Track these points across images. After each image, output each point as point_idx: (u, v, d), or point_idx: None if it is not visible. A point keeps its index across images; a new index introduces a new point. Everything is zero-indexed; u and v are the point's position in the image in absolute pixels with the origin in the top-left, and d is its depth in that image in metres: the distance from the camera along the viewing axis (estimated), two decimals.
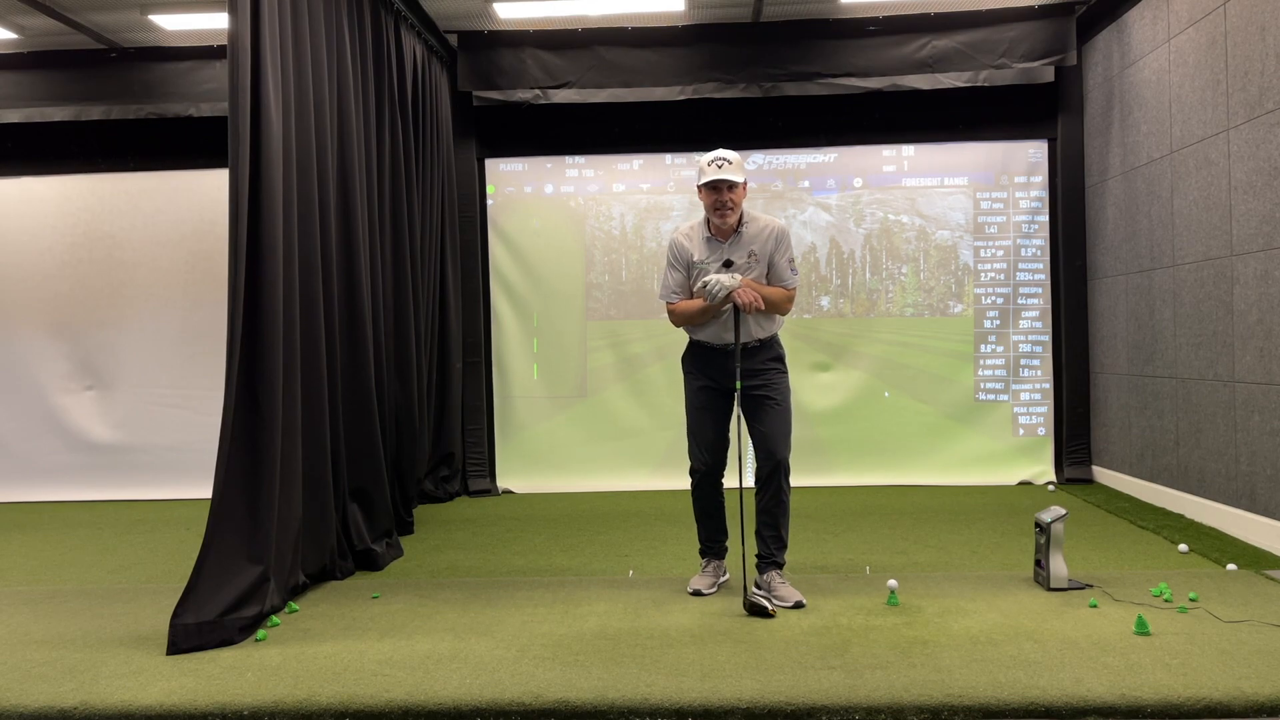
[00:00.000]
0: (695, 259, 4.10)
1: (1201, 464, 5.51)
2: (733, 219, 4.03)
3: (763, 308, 3.96)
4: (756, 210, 4.44)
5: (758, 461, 4.10)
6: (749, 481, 4.11)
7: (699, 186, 4.06)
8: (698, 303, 4.06)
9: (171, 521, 6.38)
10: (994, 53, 6.80)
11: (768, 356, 4.11)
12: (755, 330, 4.07)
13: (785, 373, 4.15)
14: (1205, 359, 5.44)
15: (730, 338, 4.04)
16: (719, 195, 4.00)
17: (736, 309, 3.98)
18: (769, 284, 4.08)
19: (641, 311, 7.43)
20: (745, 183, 4.06)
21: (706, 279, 3.95)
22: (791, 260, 4.12)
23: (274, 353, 3.96)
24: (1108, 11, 6.59)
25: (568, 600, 4.11)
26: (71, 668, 3.40)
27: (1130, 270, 6.39)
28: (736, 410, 4.12)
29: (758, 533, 4.13)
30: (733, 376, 4.04)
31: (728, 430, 4.17)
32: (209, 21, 6.61)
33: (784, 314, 4.15)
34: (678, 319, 4.18)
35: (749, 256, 4.06)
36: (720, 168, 3.97)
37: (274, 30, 4.13)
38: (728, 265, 4.05)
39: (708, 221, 4.12)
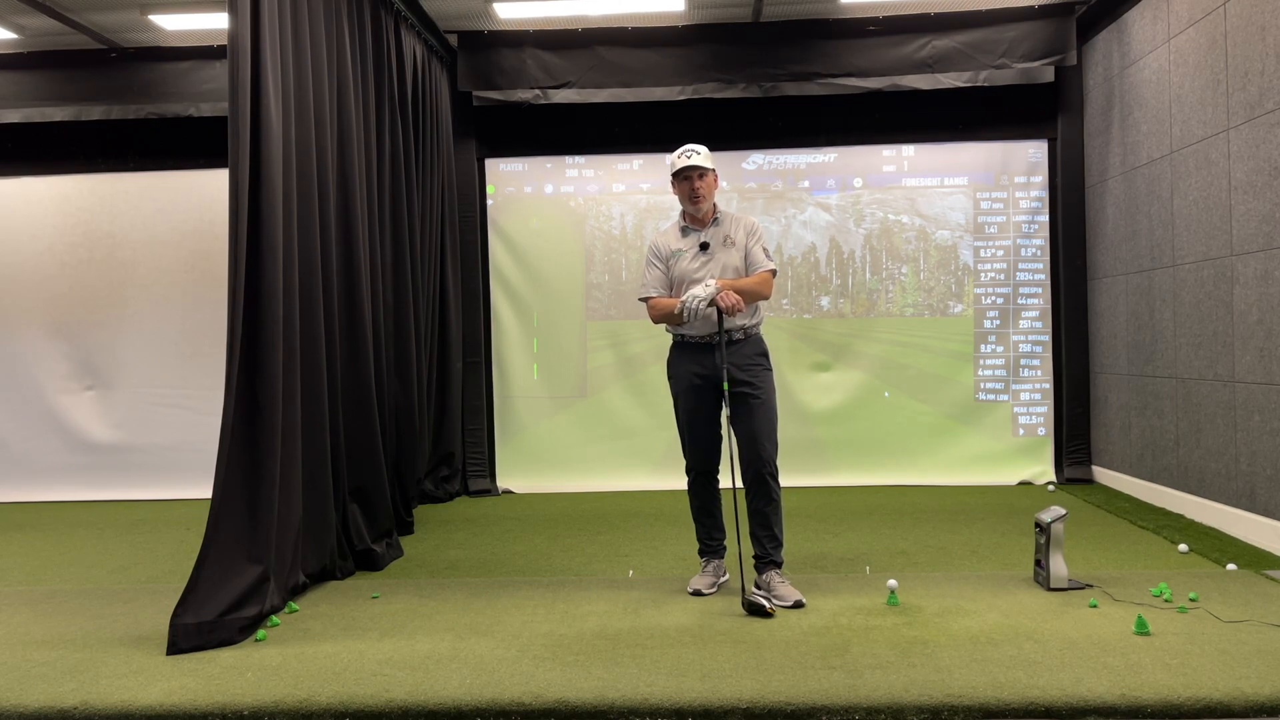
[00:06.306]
0: (673, 248, 4.26)
1: (1201, 464, 5.51)
2: (706, 206, 4.22)
3: (744, 308, 4.06)
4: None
5: (745, 462, 4.11)
6: (739, 482, 4.12)
7: (672, 180, 4.26)
8: (676, 300, 4.12)
9: (171, 521, 6.38)
10: (994, 53, 6.81)
11: (754, 352, 4.17)
12: (739, 318, 4.13)
13: (770, 370, 4.22)
14: (1205, 359, 5.44)
15: (714, 326, 4.11)
16: (691, 184, 4.19)
17: (720, 312, 4.04)
18: (746, 273, 4.19)
19: (641, 311, 7.32)
20: (714, 174, 4.25)
21: (684, 298, 4.02)
22: (765, 249, 4.23)
23: (274, 353, 3.96)
24: (1108, 11, 6.59)
25: (568, 600, 4.11)
26: (71, 668, 3.40)
27: (1130, 270, 6.39)
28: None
29: (752, 534, 4.15)
30: (720, 369, 4.08)
31: (720, 426, 4.24)
32: (209, 21, 6.61)
33: (767, 297, 4.21)
34: (656, 314, 4.26)
35: (724, 240, 4.21)
36: (689, 157, 4.18)
37: (274, 30, 4.13)
38: (704, 248, 4.19)
39: (683, 214, 4.32)
